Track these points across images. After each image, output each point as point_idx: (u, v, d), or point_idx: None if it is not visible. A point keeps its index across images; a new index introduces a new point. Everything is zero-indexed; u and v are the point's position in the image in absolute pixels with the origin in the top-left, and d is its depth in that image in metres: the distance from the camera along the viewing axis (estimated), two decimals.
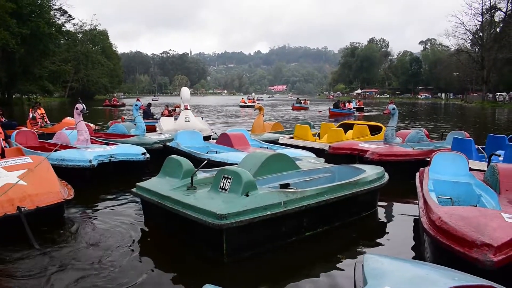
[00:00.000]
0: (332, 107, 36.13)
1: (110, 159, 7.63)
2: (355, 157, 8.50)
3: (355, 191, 5.34)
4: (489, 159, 6.02)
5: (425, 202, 4.37)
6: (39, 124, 14.74)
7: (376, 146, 8.80)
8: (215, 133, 12.27)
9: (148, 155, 8.20)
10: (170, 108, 22.37)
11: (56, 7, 63.95)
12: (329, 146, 9.42)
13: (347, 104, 37.96)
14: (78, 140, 8.58)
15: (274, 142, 10.97)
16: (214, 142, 10.20)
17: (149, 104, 20.07)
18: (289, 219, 4.63)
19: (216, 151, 8.70)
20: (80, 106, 8.55)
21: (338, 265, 4.24)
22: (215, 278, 3.91)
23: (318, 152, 9.33)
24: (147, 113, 18.00)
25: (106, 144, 9.06)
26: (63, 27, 68.77)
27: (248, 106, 48.03)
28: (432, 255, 3.94)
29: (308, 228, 4.92)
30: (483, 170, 5.86)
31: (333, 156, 8.87)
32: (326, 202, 4.92)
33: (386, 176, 6.19)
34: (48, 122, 15.44)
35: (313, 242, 4.84)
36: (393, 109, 9.52)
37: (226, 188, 4.50)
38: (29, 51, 49.13)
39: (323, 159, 7.93)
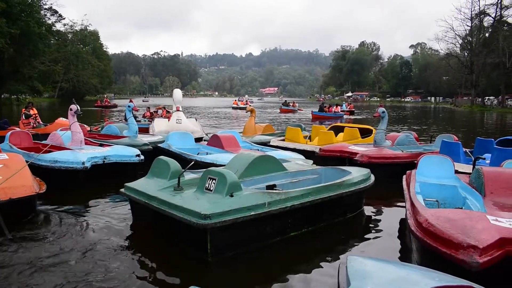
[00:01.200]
0: (314, 110, 35.55)
1: (103, 161, 7.54)
2: (345, 159, 8.57)
3: (339, 193, 5.41)
4: (474, 162, 6.11)
5: (412, 204, 4.42)
6: (32, 124, 14.60)
7: (366, 149, 8.88)
8: (207, 134, 12.29)
9: (142, 157, 8.13)
10: (152, 110, 22.28)
11: (46, 6, 63.59)
12: (320, 149, 9.47)
13: (334, 107, 37.44)
14: (72, 142, 8.49)
15: (266, 144, 11.01)
16: (205, 143, 10.19)
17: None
18: (274, 220, 4.69)
19: (207, 153, 8.73)
20: (74, 107, 8.44)
21: (323, 266, 4.28)
22: (200, 278, 3.96)
23: (309, 155, 9.35)
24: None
25: (101, 145, 8.98)
26: (53, 27, 68.51)
27: (240, 108, 47.97)
28: (418, 257, 3.99)
29: (293, 228, 4.99)
30: (469, 173, 5.94)
31: (324, 158, 8.93)
32: (310, 203, 4.99)
33: (372, 178, 6.28)
34: (41, 122, 15.29)
35: (298, 243, 4.88)
36: (383, 112, 9.62)
37: (211, 188, 4.55)
38: (18, 50, 48.72)
39: (311, 161, 7.98)
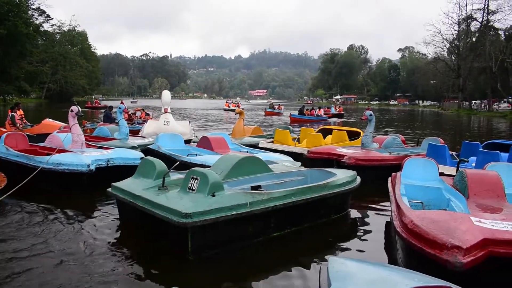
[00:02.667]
0: (293, 113, 34.49)
1: (107, 164, 7.38)
2: (333, 161, 8.64)
3: (323, 194, 5.46)
4: (457, 164, 6.21)
5: (398, 206, 4.49)
6: (18, 125, 14.40)
7: (353, 151, 8.96)
8: (196, 136, 12.28)
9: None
10: (130, 112, 21.77)
11: (34, 6, 63.15)
12: (308, 151, 9.56)
13: (316, 110, 36.58)
14: (73, 144, 8.27)
15: (254, 146, 11.05)
16: (195, 145, 10.18)
17: (110, 107, 19.20)
18: (256, 220, 4.74)
19: (196, 154, 8.73)
20: (75, 108, 8.28)
21: (305, 266, 4.30)
22: (182, 278, 3.99)
23: (298, 156, 9.43)
24: (109, 117, 17.23)
25: (100, 148, 8.77)
26: (41, 27, 67.97)
27: (232, 110, 47.74)
28: (404, 257, 4.05)
29: (276, 229, 5.04)
30: (454, 175, 6.04)
31: (312, 160, 8.99)
32: (293, 203, 5.04)
33: (358, 180, 6.32)
34: (27, 123, 15.09)
35: (281, 243, 4.93)
36: (370, 115, 9.74)
37: (194, 188, 4.61)
38: (5, 51, 48.36)
39: (299, 163, 8.01)
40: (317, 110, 36.77)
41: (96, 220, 5.65)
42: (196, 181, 4.63)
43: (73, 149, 8.03)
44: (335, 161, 8.61)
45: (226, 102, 61.91)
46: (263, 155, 8.35)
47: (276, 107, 46.04)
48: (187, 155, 8.58)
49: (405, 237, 3.72)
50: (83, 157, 7.22)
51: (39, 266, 4.07)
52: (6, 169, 7.28)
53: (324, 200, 5.53)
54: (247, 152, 9.36)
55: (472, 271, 3.16)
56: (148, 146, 9.65)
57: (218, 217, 4.30)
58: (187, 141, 11.43)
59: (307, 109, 35.93)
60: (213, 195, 4.47)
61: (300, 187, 5.43)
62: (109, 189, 5.50)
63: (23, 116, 14.98)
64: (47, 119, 14.94)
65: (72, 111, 8.30)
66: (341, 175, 6.12)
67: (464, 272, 3.12)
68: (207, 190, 4.48)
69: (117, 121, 12.20)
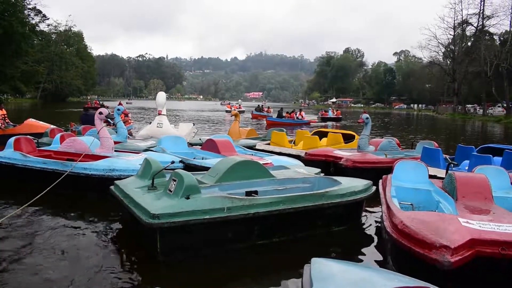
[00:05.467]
0: (270, 116, 33.47)
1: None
2: (330, 163, 8.72)
3: (319, 204, 5.13)
4: (447, 167, 6.30)
5: (388, 207, 4.58)
6: (0, 125, 13.98)
7: (351, 153, 9.05)
8: (200, 139, 11.90)
9: (182, 164, 7.49)
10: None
11: (30, 6, 63.03)
12: (305, 153, 9.65)
13: (297, 113, 34.40)
14: (103, 148, 7.88)
15: (252, 148, 10.98)
16: (198, 148, 9.92)
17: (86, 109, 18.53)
18: (234, 226, 4.57)
19: (203, 157, 8.54)
20: (105, 111, 7.96)
21: (289, 268, 4.27)
22: (152, 280, 3.98)
23: (294, 158, 9.44)
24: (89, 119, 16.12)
25: (130, 152, 8.42)
26: (37, 27, 67.82)
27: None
28: (393, 257, 4.13)
29: (260, 237, 4.82)
30: (443, 178, 6.14)
31: (309, 162, 9.03)
32: (279, 212, 4.78)
33: (371, 190, 5.93)
34: (10, 123, 14.74)
35: (265, 249, 4.77)
36: (367, 118, 9.84)
37: (172, 189, 4.56)
38: (1, 50, 48.19)
39: (318, 170, 7.33)
40: (298, 113, 34.80)
41: (95, 217, 5.75)
42: (175, 182, 4.58)
43: (105, 154, 7.66)
44: (332, 163, 8.71)
45: (228, 104, 61.05)
46: (273, 159, 8.27)
47: (265, 109, 42.49)
48: (193, 158, 8.38)
49: (395, 237, 3.80)
50: (133, 161, 7.01)
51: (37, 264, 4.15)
52: (19, 177, 7.23)
53: (320, 210, 5.20)
54: (252, 155, 9.10)
55: (459, 270, 3.24)
56: (151, 149, 9.34)
57: (188, 220, 4.22)
58: None
59: (287, 112, 34.30)
60: (188, 198, 4.39)
61: (290, 194, 5.12)
62: (112, 187, 5.48)
63: (5, 115, 14.59)
64: (30, 119, 14.67)
65: (101, 113, 7.94)
66: (346, 185, 5.69)
67: (452, 271, 3.20)
68: (181, 192, 4.41)
69: (112, 123, 11.80)
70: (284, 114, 33.05)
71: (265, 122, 31.78)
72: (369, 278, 2.22)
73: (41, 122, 14.41)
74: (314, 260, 2.48)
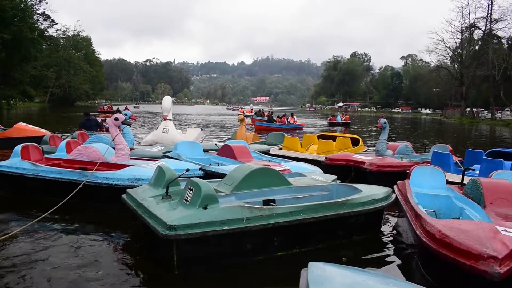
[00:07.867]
0: (257, 121, 31.23)
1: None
2: (351, 168, 8.65)
3: (340, 213, 4.95)
4: (463, 173, 6.22)
5: (417, 215, 4.41)
6: None
7: (371, 158, 9.01)
8: (216, 144, 11.67)
9: (202, 172, 7.20)
10: (99, 119, 19.82)
11: (39, 11, 63.51)
12: (326, 157, 9.51)
13: (289, 117, 32.72)
14: (119, 156, 7.47)
15: (265, 153, 10.63)
16: (214, 153, 9.58)
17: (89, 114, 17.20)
18: (254, 237, 4.40)
19: (219, 163, 8.28)
20: (121, 116, 7.51)
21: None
22: None
23: (312, 164, 9.12)
24: (89, 124, 14.85)
25: (147, 159, 8.09)
26: (45, 32, 68.26)
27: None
28: (428, 267, 4.04)
29: (280, 248, 4.64)
30: (458, 183, 6.05)
31: (329, 167, 8.94)
32: (300, 222, 4.60)
33: (392, 197, 5.74)
34: (1, 127, 14.29)
35: (287, 261, 4.54)
36: (385, 123, 9.83)
37: (188, 199, 4.38)
38: (10, 55, 48.55)
39: (334, 177, 7.03)
40: (290, 117, 33.02)
41: (109, 225, 5.66)
42: (191, 192, 4.39)
43: (122, 162, 7.32)
44: (353, 167, 8.62)
45: (241, 109, 61.20)
46: (291, 165, 8.02)
47: (265, 114, 38.67)
48: (210, 164, 8.08)
49: (434, 247, 3.69)
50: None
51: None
52: (29, 188, 6.82)
53: (341, 219, 5.02)
54: (269, 160, 8.87)
55: (506, 281, 3.19)
56: (167, 155, 9.09)
57: (207, 232, 4.03)
58: None
59: (278, 116, 32.94)
60: (205, 208, 4.20)
61: (310, 203, 4.92)
62: (123, 195, 5.31)
63: None
64: (20, 122, 13.97)
65: (117, 119, 7.49)
66: (367, 193, 5.49)
67: (500, 282, 3.15)
68: (198, 202, 4.22)
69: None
70: (275, 118, 31.97)
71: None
72: (365, 281, 2.23)
73: (31, 126, 13.58)
74: (311, 264, 2.47)
